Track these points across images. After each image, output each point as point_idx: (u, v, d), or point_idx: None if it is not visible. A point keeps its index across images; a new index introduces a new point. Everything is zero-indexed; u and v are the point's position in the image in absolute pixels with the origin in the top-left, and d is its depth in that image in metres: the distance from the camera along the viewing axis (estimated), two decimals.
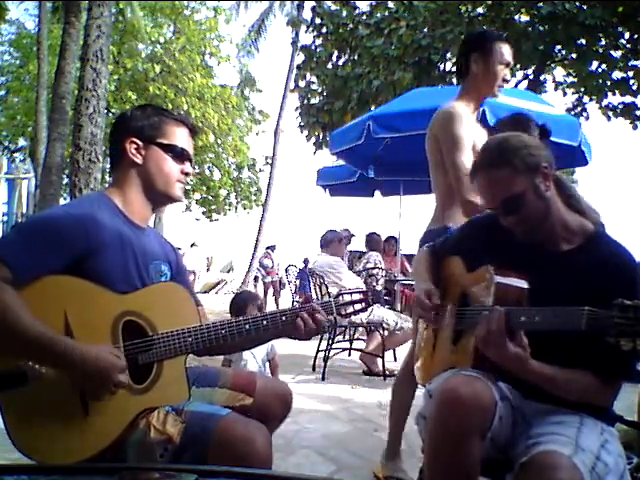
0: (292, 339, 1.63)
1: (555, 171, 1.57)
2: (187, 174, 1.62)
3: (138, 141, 1.56)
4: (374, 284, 5.98)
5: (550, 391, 1.42)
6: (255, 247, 17.38)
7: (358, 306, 1.72)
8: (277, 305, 11.13)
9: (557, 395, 1.42)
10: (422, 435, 1.54)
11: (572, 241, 1.54)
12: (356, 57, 10.06)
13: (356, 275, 5.79)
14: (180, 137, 1.61)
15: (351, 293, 1.73)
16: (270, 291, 12.99)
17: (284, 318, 1.57)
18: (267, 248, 13.55)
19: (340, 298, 1.70)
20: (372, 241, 7.00)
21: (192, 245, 15.25)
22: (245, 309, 3.17)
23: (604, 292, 1.39)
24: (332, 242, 5.22)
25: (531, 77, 9.91)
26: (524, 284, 1.47)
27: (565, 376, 1.39)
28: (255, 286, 16.03)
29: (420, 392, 1.82)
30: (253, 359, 3.25)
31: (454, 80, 9.76)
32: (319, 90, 10.79)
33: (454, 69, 9.99)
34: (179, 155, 1.60)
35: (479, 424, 1.34)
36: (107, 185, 1.69)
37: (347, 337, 5.69)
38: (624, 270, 1.45)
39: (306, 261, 12.07)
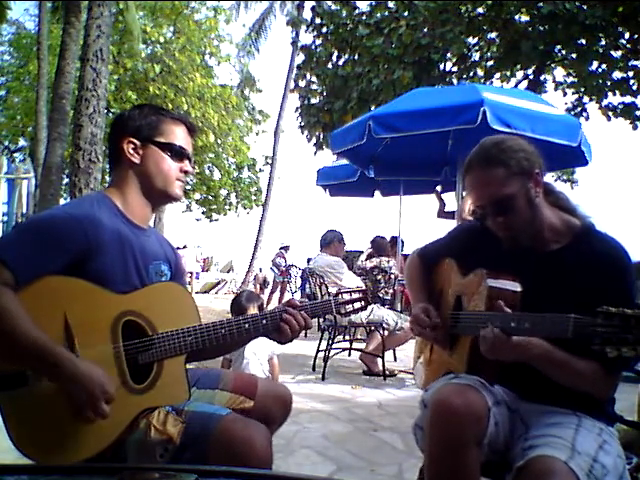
0: (273, 340, 1.61)
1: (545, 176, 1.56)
2: (186, 172, 1.61)
3: (136, 141, 1.56)
4: (387, 290, 5.96)
5: (558, 377, 1.41)
6: (255, 247, 17.39)
7: (357, 305, 1.72)
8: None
9: (562, 382, 1.41)
10: (419, 445, 1.54)
11: (560, 240, 1.53)
12: (356, 57, 10.04)
13: (358, 275, 5.79)
14: (178, 135, 1.60)
15: (350, 292, 1.74)
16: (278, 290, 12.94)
17: (283, 316, 1.57)
18: (281, 248, 13.52)
19: (339, 297, 1.70)
20: (379, 245, 6.84)
21: (184, 247, 15.07)
22: (247, 309, 3.19)
23: (596, 286, 1.39)
24: (332, 242, 5.22)
25: (531, 77, 9.90)
26: (517, 287, 1.47)
27: (576, 360, 1.37)
28: (255, 286, 16.04)
29: (414, 392, 1.82)
30: (256, 360, 3.25)
31: (454, 80, 9.78)
32: (319, 90, 10.77)
33: (454, 68, 10.01)
34: (177, 154, 1.59)
35: (474, 433, 1.34)
36: (107, 185, 1.69)
37: (347, 337, 5.70)
38: (613, 262, 1.44)
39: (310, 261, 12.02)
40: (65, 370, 1.28)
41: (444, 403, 1.36)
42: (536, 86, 9.62)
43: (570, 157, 5.06)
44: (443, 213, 7.23)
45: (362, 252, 8.85)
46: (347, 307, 1.70)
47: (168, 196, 1.61)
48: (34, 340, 1.27)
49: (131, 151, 1.56)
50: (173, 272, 1.69)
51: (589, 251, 1.47)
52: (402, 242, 7.39)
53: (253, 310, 3.18)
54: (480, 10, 9.02)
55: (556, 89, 10.36)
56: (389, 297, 6.17)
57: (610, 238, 1.51)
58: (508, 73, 10.30)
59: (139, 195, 1.58)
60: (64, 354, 1.30)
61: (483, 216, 1.55)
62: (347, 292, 1.75)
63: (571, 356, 1.37)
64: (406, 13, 9.25)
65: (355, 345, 5.52)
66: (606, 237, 1.52)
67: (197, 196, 18.14)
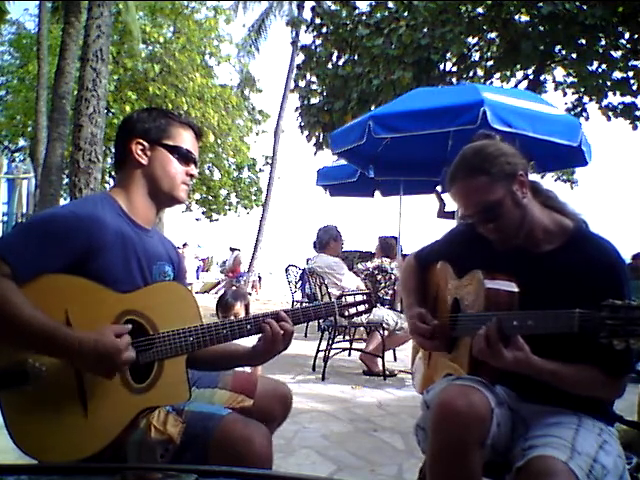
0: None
1: (530, 175, 1.56)
2: (192, 176, 1.63)
3: (144, 142, 1.57)
4: (387, 290, 5.96)
5: (556, 386, 1.41)
6: (255, 247, 17.39)
7: (361, 307, 1.71)
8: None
9: (563, 390, 1.41)
10: (421, 446, 1.54)
11: (553, 242, 1.53)
12: (356, 57, 10.04)
13: (357, 274, 5.79)
14: (186, 139, 1.62)
15: (354, 294, 1.72)
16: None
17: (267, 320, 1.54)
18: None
19: (343, 299, 1.69)
20: (383, 245, 6.81)
21: (184, 245, 15.03)
22: (233, 306, 3.14)
23: (591, 288, 1.39)
24: (329, 243, 5.22)
25: (531, 77, 9.89)
26: (514, 287, 1.47)
27: (569, 370, 1.39)
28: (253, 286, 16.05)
29: (414, 392, 1.82)
30: None
31: (454, 80, 9.78)
32: (319, 90, 10.77)
33: (454, 68, 10.01)
34: (184, 157, 1.61)
35: (477, 435, 1.34)
36: (109, 185, 1.69)
37: (347, 337, 5.70)
38: (607, 264, 1.45)
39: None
40: (78, 342, 1.30)
41: (447, 404, 1.36)
42: (536, 86, 9.62)
43: (570, 157, 5.05)
44: (443, 213, 7.23)
45: (361, 252, 8.86)
46: (350, 310, 1.69)
47: (173, 198, 1.62)
48: (40, 323, 1.28)
49: (139, 152, 1.57)
50: (176, 273, 1.69)
51: (582, 253, 1.47)
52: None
53: (240, 307, 3.14)
54: (480, 10, 9.01)
55: (556, 89, 10.36)
56: (389, 297, 6.17)
57: (602, 239, 1.52)
58: (508, 73, 10.30)
59: (144, 196, 1.59)
60: (71, 330, 1.32)
61: (474, 223, 1.56)
62: (351, 294, 1.73)
63: (573, 368, 1.38)
64: (406, 13, 9.25)
65: (355, 345, 5.52)
66: (598, 239, 1.52)
67: (197, 196, 18.13)
